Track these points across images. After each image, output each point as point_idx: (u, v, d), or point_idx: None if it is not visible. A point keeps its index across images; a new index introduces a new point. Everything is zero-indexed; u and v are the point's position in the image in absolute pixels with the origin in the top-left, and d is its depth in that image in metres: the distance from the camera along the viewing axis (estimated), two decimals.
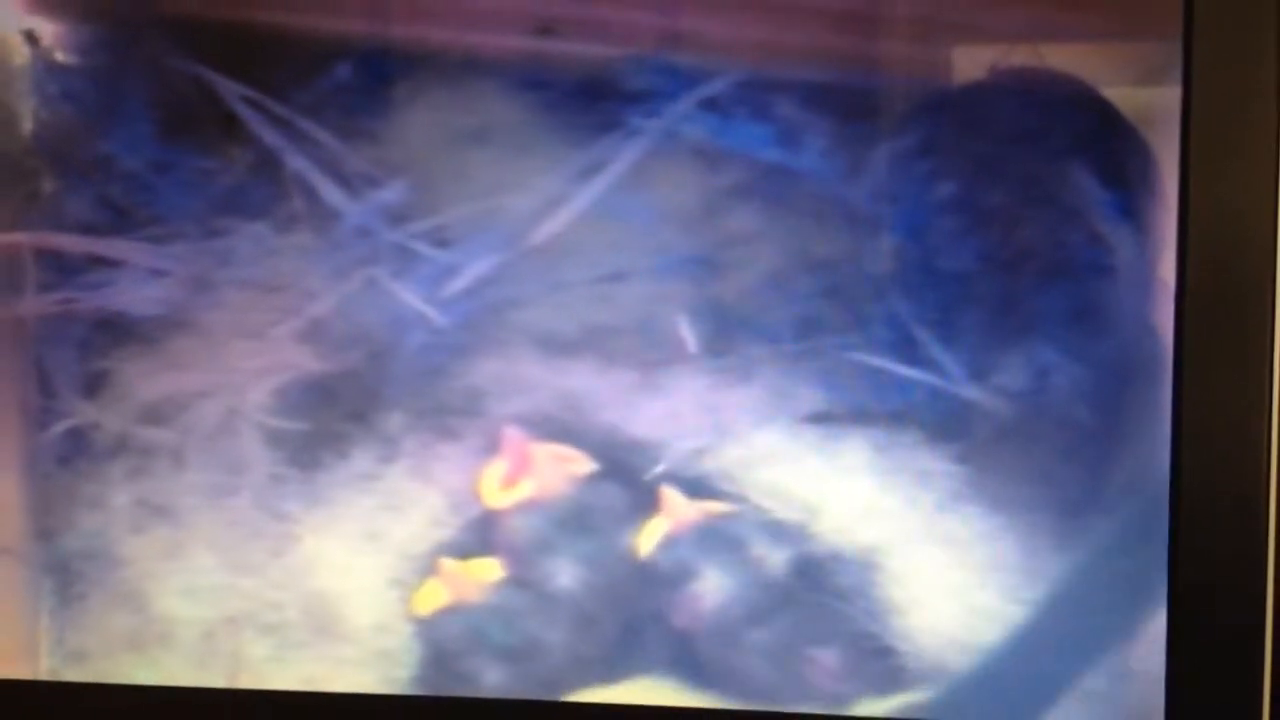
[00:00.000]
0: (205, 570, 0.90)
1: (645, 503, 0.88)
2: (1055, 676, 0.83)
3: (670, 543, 0.88)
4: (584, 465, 0.89)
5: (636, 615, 0.89)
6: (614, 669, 0.89)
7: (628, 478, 0.88)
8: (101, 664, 0.91)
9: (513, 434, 0.89)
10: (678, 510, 0.88)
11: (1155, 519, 0.78)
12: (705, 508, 0.88)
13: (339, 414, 0.89)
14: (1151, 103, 0.83)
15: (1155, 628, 0.78)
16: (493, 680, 0.88)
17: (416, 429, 0.89)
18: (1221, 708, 0.76)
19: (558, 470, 0.89)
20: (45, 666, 0.92)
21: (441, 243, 0.89)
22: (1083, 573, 0.83)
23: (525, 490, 0.89)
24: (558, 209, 0.87)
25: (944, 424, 0.85)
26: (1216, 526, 0.75)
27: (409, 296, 0.89)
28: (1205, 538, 0.75)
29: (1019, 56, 0.85)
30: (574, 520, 0.89)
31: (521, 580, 0.89)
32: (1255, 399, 0.74)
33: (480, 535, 0.90)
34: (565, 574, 0.89)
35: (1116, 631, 0.83)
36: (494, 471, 0.89)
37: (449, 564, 0.89)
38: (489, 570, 0.89)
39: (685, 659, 0.88)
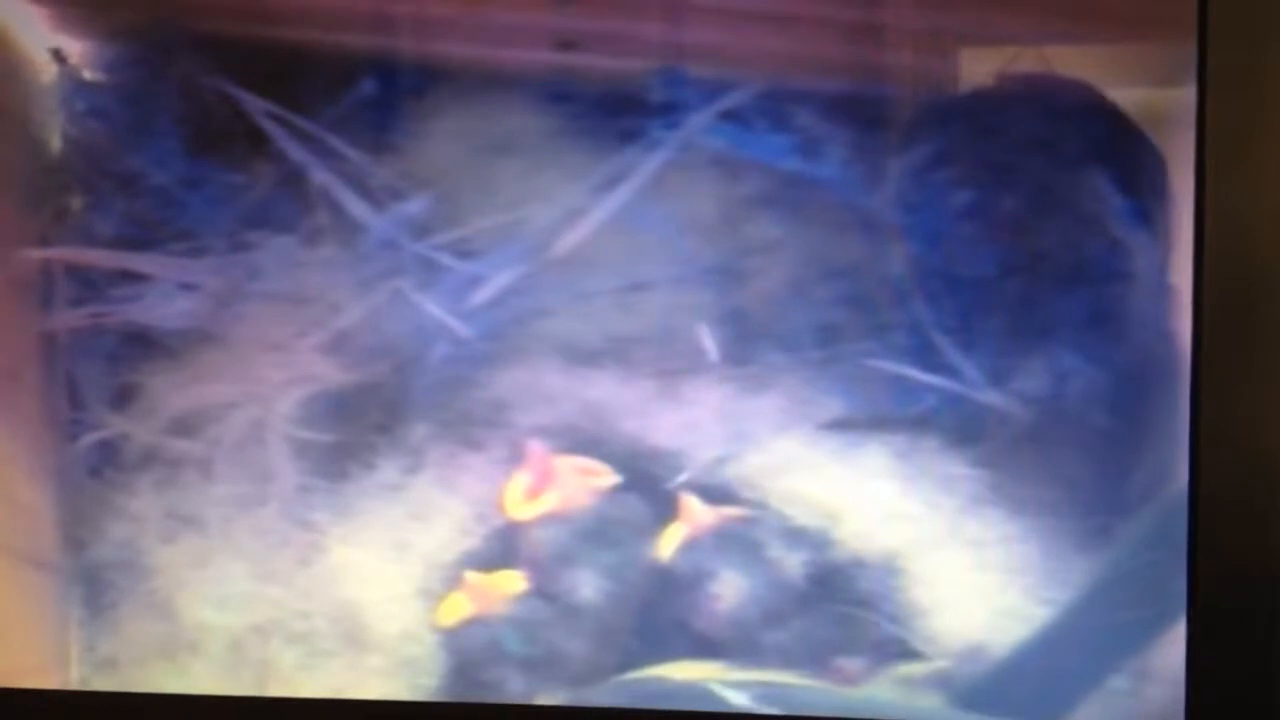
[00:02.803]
0: (234, 579, 0.90)
1: (667, 513, 0.89)
2: (1077, 676, 0.84)
3: (691, 550, 0.89)
4: (607, 478, 0.90)
5: (659, 623, 0.89)
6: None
7: (650, 488, 0.89)
8: (131, 672, 0.91)
9: (536, 447, 0.89)
10: (698, 517, 0.88)
11: (1174, 520, 0.78)
12: (725, 514, 0.88)
13: (365, 425, 0.90)
14: (1164, 106, 0.84)
15: (1175, 627, 0.78)
16: (515, 688, 0.89)
17: (442, 439, 0.89)
18: (1241, 706, 0.76)
19: (580, 483, 0.90)
20: (76, 675, 0.93)
21: (465, 254, 0.89)
22: (1104, 574, 0.84)
23: (549, 503, 0.90)
24: (580, 220, 0.88)
25: (964, 429, 0.85)
26: (1234, 527, 0.76)
27: (434, 308, 0.89)
28: (1224, 538, 0.76)
29: (1028, 62, 0.86)
30: (596, 532, 0.89)
31: (544, 591, 0.89)
32: (1271, 401, 0.75)
33: (505, 546, 0.90)
34: (588, 585, 0.89)
35: (1137, 631, 0.83)
36: (518, 484, 0.90)
37: (473, 577, 0.90)
38: (512, 582, 0.90)
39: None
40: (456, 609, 0.90)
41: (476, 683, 0.89)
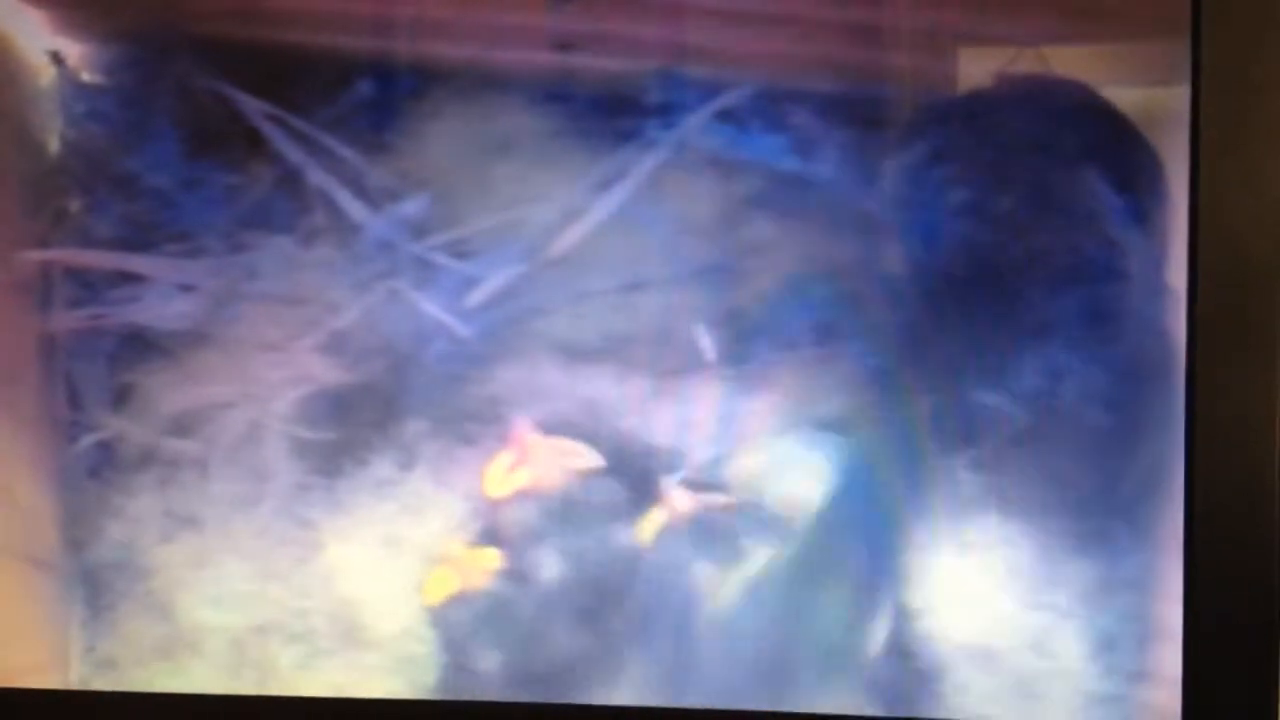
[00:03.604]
0: (232, 578, 0.91)
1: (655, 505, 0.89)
2: (1072, 679, 0.84)
3: (682, 546, 0.89)
4: (588, 459, 0.89)
5: (644, 614, 0.89)
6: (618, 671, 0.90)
7: (645, 483, 0.89)
8: (131, 672, 0.92)
9: (520, 424, 0.89)
10: (686, 513, 0.89)
11: (1170, 521, 0.78)
12: (717, 514, 0.88)
13: (362, 424, 0.90)
14: (1162, 106, 0.83)
15: (1172, 629, 0.78)
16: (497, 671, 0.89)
17: (438, 437, 0.90)
18: (1238, 708, 0.76)
19: (560, 463, 0.89)
20: (76, 675, 0.93)
21: (462, 254, 0.90)
22: (1099, 575, 0.84)
23: (524, 479, 0.90)
24: (577, 220, 0.89)
25: (960, 429, 0.85)
26: (1231, 527, 0.76)
27: (430, 308, 0.90)
28: (1220, 538, 0.76)
29: (1026, 62, 0.86)
30: (567, 512, 0.89)
31: (519, 571, 0.89)
32: (1267, 399, 0.75)
33: (494, 535, 0.90)
34: (554, 565, 0.89)
35: (1133, 634, 0.83)
36: (500, 463, 0.90)
37: (458, 550, 0.90)
38: (493, 558, 0.90)
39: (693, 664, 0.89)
40: (442, 584, 0.90)
41: (467, 668, 0.89)
